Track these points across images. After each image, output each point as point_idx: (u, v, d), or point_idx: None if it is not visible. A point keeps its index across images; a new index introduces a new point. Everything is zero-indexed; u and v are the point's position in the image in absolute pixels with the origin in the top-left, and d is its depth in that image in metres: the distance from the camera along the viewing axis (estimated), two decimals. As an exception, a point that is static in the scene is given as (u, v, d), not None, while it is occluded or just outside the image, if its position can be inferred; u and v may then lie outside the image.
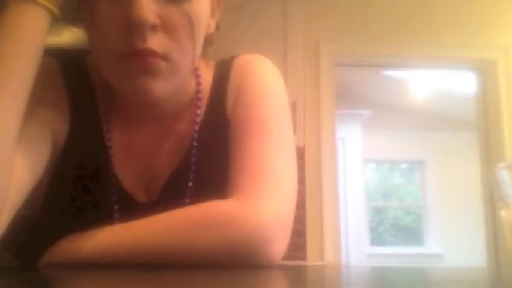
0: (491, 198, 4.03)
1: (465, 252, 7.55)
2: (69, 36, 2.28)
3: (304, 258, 3.33)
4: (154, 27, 0.81)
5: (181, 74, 0.89)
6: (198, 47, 0.90)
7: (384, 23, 3.98)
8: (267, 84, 1.00)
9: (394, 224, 8.97)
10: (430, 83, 7.06)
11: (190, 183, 0.94)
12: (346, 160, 7.77)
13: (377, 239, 8.67)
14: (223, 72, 1.02)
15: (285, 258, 0.83)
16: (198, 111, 0.99)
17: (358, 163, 7.96)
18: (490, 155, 4.08)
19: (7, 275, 0.67)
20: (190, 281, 0.57)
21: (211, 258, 0.77)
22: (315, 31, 3.86)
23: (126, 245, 0.79)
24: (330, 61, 3.88)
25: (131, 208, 0.92)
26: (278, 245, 0.80)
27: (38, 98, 0.88)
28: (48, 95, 0.93)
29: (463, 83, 6.04)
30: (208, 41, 0.96)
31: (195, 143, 0.97)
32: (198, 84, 1.00)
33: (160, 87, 0.84)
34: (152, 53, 0.81)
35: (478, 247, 5.04)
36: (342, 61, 4.03)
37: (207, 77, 1.02)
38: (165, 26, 0.82)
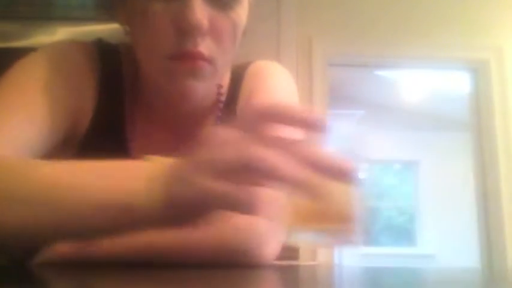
0: (484, 198, 4.04)
1: (458, 252, 7.56)
2: (62, 35, 2.27)
3: (297, 258, 3.32)
4: (205, 33, 0.84)
5: (220, 76, 0.93)
6: (235, 52, 0.93)
7: (377, 24, 3.99)
8: (276, 90, 1.02)
9: (387, 224, 8.99)
10: (423, 83, 7.07)
11: None
12: (339, 160, 7.76)
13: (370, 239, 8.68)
14: (237, 78, 1.05)
15: (277, 258, 0.83)
16: (220, 114, 1.01)
17: (351, 163, 7.95)
18: (483, 155, 4.08)
19: (2, 273, 0.67)
20: (181, 281, 0.57)
21: (203, 258, 0.77)
22: (308, 31, 3.85)
23: (119, 244, 0.78)
24: (322, 61, 3.88)
25: None
26: (271, 245, 0.80)
27: (64, 83, 0.89)
28: (76, 81, 0.94)
29: (456, 83, 6.05)
30: None
31: None
32: (219, 87, 1.02)
33: (202, 88, 0.88)
34: (201, 57, 0.85)
35: (470, 248, 5.05)
36: (335, 61, 4.02)
37: (226, 81, 1.05)
38: (213, 32, 0.86)
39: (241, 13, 0.91)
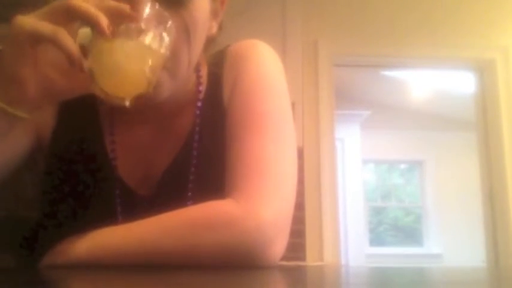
0: (491, 198, 4.04)
1: (464, 252, 7.55)
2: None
3: (304, 258, 3.33)
4: None
5: (178, 78, 0.89)
6: (195, 52, 0.90)
7: (383, 23, 3.99)
8: (264, 72, 0.98)
9: (394, 225, 8.98)
10: (429, 83, 7.06)
11: (191, 177, 0.94)
12: (345, 160, 7.77)
13: (376, 240, 8.68)
14: (217, 63, 1.01)
15: (284, 258, 0.83)
16: (199, 104, 0.98)
17: (357, 163, 7.96)
18: (489, 154, 4.08)
19: (6, 276, 0.67)
20: (188, 282, 0.57)
21: (210, 260, 0.77)
22: (314, 31, 3.86)
23: (125, 247, 0.79)
24: (328, 61, 3.88)
25: (134, 202, 0.93)
26: (277, 246, 0.79)
27: None
28: None
29: (462, 83, 6.05)
30: (210, 41, 0.96)
31: (196, 137, 0.96)
32: (199, 77, 1.00)
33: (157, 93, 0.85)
34: None
35: (477, 247, 5.05)
36: (341, 61, 4.03)
37: (204, 71, 1.02)
38: None
39: (196, 12, 0.87)
